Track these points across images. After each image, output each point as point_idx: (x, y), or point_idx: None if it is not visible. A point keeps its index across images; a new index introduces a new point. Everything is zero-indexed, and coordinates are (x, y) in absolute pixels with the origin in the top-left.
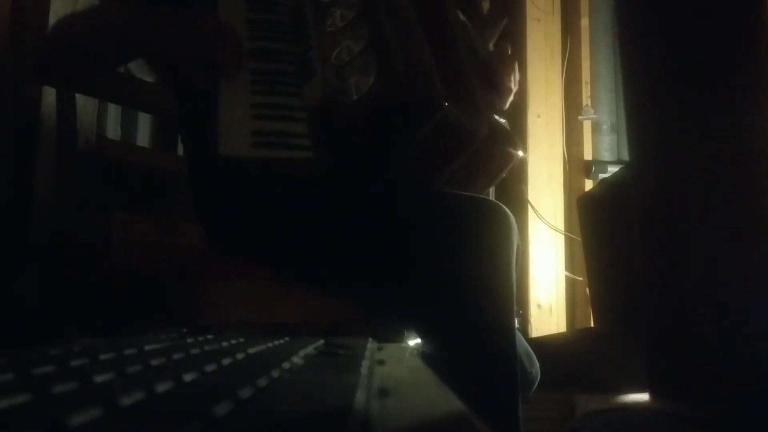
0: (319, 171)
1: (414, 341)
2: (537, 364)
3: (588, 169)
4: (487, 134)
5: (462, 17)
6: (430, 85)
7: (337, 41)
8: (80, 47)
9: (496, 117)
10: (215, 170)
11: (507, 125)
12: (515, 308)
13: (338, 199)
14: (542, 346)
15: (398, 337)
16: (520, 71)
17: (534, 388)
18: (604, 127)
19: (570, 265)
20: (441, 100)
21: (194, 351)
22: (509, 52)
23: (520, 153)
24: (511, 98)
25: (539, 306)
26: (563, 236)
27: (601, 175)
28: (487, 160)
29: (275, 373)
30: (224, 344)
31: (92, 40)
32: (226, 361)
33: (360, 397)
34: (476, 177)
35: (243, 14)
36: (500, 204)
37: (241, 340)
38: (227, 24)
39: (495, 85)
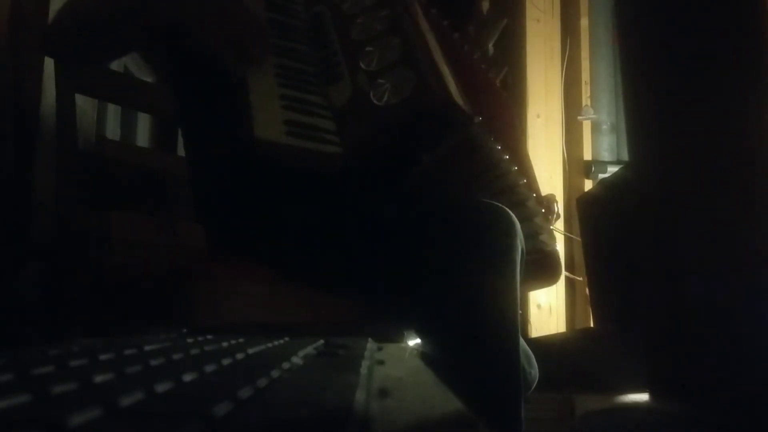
0: (346, 168)
1: (414, 341)
2: (536, 365)
3: (588, 169)
4: (539, 256)
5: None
6: (461, 100)
7: (365, 50)
8: (101, 19)
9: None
10: (222, 164)
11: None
12: (518, 310)
13: (341, 200)
14: (542, 346)
15: (398, 337)
16: (519, 72)
17: (533, 388)
18: (604, 127)
19: (570, 265)
20: (472, 116)
21: (194, 351)
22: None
23: (560, 274)
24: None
25: (539, 306)
26: (563, 236)
27: (601, 175)
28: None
29: (275, 373)
30: (224, 344)
31: (113, 14)
32: (225, 361)
33: (360, 397)
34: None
35: (262, 12)
36: (504, 207)
37: (241, 340)
38: (251, 9)
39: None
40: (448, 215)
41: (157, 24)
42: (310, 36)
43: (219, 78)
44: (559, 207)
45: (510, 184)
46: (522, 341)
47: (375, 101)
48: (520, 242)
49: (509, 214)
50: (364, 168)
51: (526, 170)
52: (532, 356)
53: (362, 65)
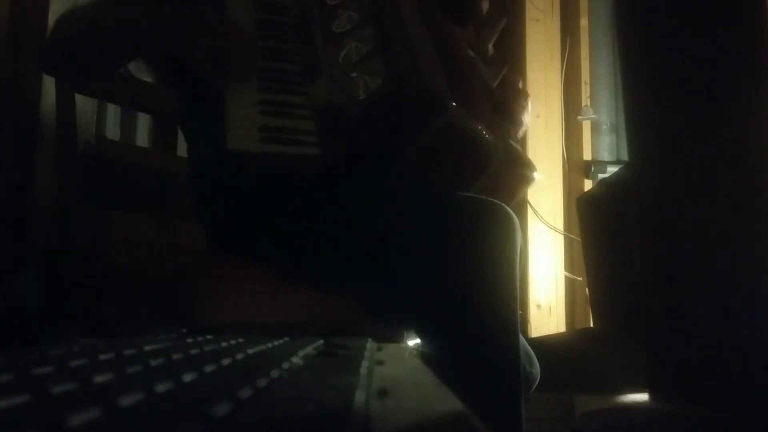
0: (324, 169)
1: (414, 341)
2: (537, 364)
3: (587, 169)
4: (503, 157)
5: (471, 53)
6: (437, 87)
7: (344, 42)
8: (90, 39)
9: (511, 142)
10: (218, 166)
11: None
12: (518, 309)
13: (340, 199)
14: (542, 346)
15: (398, 337)
16: (519, 71)
17: (534, 388)
18: (604, 127)
19: (569, 265)
20: (448, 101)
21: (194, 351)
22: (521, 86)
23: (536, 174)
24: (523, 129)
25: (539, 306)
26: (563, 236)
27: (601, 175)
28: (504, 181)
29: (275, 374)
30: (224, 344)
31: (103, 33)
32: (225, 362)
33: (359, 397)
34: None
35: (251, 14)
36: (503, 205)
37: (241, 340)
38: (241, 26)
39: (508, 117)
40: (447, 212)
41: (141, 42)
42: (299, 31)
43: (203, 85)
44: (524, 85)
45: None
46: (523, 341)
47: (350, 96)
48: (518, 240)
49: (508, 211)
50: (346, 165)
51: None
52: (534, 356)
53: (339, 59)
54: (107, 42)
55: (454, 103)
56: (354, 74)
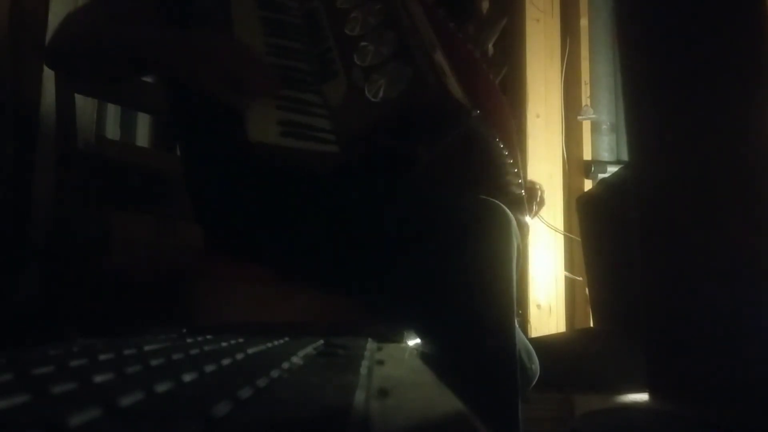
0: (339, 168)
1: (414, 341)
2: (536, 360)
3: (587, 169)
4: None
5: (475, 53)
6: (459, 95)
7: (360, 46)
8: (91, 52)
9: (519, 191)
10: (219, 163)
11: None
12: (515, 309)
13: (340, 199)
14: (542, 346)
15: (398, 337)
16: (519, 72)
17: (533, 384)
18: (604, 127)
19: (569, 265)
20: (470, 109)
21: (194, 351)
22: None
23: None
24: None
25: (539, 306)
26: (563, 236)
27: (601, 175)
28: None
29: (275, 374)
30: (224, 344)
31: (106, 49)
32: (225, 362)
33: (359, 397)
34: None
35: (256, 12)
36: (501, 204)
37: (241, 340)
38: (250, 48)
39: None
40: (446, 213)
41: (150, 66)
42: (306, 33)
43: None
44: (543, 194)
45: (508, 176)
46: (523, 337)
47: (370, 97)
48: (516, 239)
49: (506, 211)
50: (361, 166)
51: (518, 162)
52: (533, 352)
53: (357, 61)
54: (113, 61)
55: (478, 111)
56: (376, 76)
